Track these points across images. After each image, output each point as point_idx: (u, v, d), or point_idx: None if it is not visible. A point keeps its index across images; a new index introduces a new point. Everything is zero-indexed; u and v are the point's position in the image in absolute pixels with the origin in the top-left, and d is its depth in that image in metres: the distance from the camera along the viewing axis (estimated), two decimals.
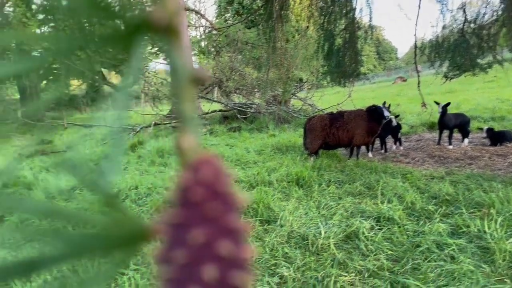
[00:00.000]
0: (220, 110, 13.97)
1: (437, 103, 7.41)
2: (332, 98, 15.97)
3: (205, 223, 0.24)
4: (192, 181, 0.25)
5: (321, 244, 3.80)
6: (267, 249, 3.88)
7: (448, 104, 7.34)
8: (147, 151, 9.14)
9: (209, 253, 0.23)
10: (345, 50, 8.01)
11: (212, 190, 0.24)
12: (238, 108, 12.75)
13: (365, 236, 3.82)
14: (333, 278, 3.22)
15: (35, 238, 0.25)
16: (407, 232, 3.82)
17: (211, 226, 0.24)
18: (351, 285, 3.15)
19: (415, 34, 7.45)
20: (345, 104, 11.96)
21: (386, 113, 6.50)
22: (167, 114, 14.38)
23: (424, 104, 7.50)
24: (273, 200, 5.03)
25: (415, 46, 7.62)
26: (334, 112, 7.15)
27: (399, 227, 3.93)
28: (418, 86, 7.61)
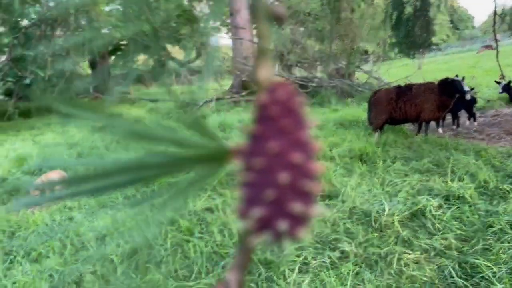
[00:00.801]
0: None
1: (498, 82, 6.89)
2: (399, 71, 15.31)
3: (280, 136, 0.28)
4: (269, 100, 0.29)
5: (385, 221, 3.76)
6: (328, 224, 3.93)
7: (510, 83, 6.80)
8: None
9: (283, 162, 0.28)
10: (416, 19, 7.62)
11: (286, 108, 0.29)
12: (299, 82, 12.63)
13: (432, 215, 3.72)
14: (396, 255, 3.20)
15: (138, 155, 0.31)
16: (479, 212, 3.67)
17: (285, 139, 0.28)
18: (416, 263, 3.12)
19: (494, 0, 6.90)
20: (414, 77, 11.45)
21: (466, 88, 6.13)
22: (229, 89, 14.63)
23: (502, 76, 6.99)
24: (334, 175, 5.02)
25: (495, 13, 7.07)
26: (402, 85, 6.89)
27: (470, 206, 3.79)
28: (497, 57, 7.09)
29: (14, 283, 3.46)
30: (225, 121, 9.42)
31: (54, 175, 5.89)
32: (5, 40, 12.77)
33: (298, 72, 14.79)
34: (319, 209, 0.30)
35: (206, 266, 3.39)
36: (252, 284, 3.17)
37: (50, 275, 3.57)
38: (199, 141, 0.31)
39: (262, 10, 0.30)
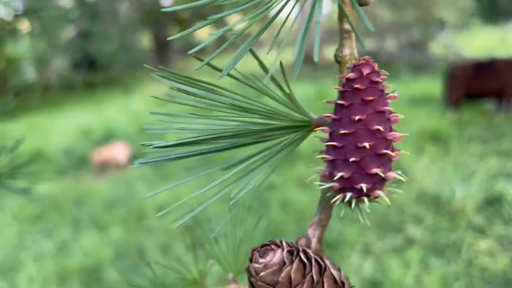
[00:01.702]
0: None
1: None
2: (480, 43, 14.36)
3: (364, 108, 0.33)
4: (354, 76, 0.34)
5: (456, 206, 3.66)
6: (392, 206, 3.89)
7: None
8: None
9: (366, 131, 0.33)
10: None
11: (370, 83, 0.34)
12: (367, 54, 12.24)
13: (510, 202, 3.57)
14: (467, 242, 3.13)
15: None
16: None
17: (368, 110, 0.33)
18: (488, 252, 3.03)
19: None
20: (497, 50, 10.71)
21: None
22: (293, 62, 14.54)
23: None
24: (403, 156, 4.92)
25: None
26: (482, 59, 6.50)
27: None
28: None
29: (81, 248, 3.81)
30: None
31: (119, 146, 6.31)
32: (73, 16, 13.54)
33: (367, 43, 14.33)
34: (396, 175, 0.35)
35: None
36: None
37: (114, 243, 3.87)
38: (287, 113, 0.37)
39: None
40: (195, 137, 0.36)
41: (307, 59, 13.60)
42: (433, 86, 8.90)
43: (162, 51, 16.15)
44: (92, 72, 17.60)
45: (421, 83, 9.66)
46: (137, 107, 9.99)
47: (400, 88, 9.04)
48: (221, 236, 0.70)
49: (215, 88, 0.37)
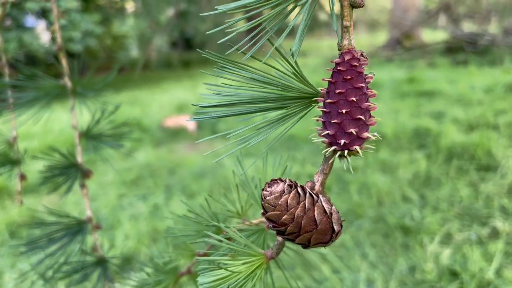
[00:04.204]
0: (444, 41, 12.82)
1: None
2: None
3: (345, 84, 0.46)
4: (340, 60, 0.47)
5: None
6: (480, 198, 3.75)
7: None
8: None
9: (346, 101, 0.45)
10: None
11: (350, 66, 0.46)
12: (467, 39, 11.42)
13: None
14: None
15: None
16: None
17: (348, 86, 0.46)
18: None
19: None
20: None
21: None
22: (384, 44, 14.07)
23: None
24: (496, 146, 4.66)
25: None
26: None
27: None
28: None
29: (171, 213, 4.20)
30: (375, 79, 9.19)
31: (187, 116, 7.07)
32: None
33: (466, 27, 13.33)
34: (369, 135, 0.47)
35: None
36: (387, 246, 3.29)
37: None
38: (298, 86, 0.50)
39: None
40: (231, 101, 0.51)
41: (399, 42, 12.98)
42: None
43: (253, 31, 16.48)
44: (188, 50, 18.56)
45: None
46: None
47: (501, 75, 8.39)
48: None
49: (250, 68, 0.51)
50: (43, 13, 13.45)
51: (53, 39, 13.94)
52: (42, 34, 14.14)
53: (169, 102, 9.41)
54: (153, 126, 7.45)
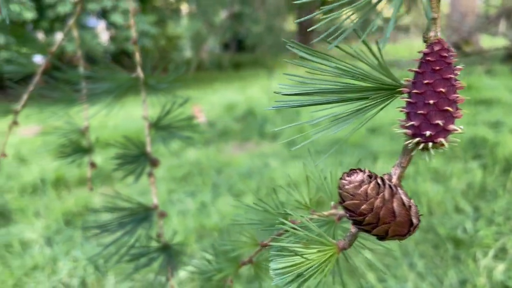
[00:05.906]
0: (504, 47, 12.19)
1: None
2: None
3: (433, 75, 0.45)
4: (428, 51, 0.46)
5: None
6: None
7: None
8: None
9: (433, 92, 0.45)
10: None
11: (439, 57, 0.45)
12: None
13: None
14: None
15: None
16: None
17: (436, 77, 0.45)
18: None
19: None
20: None
21: None
22: None
23: None
24: None
25: None
26: None
27: None
28: None
29: (217, 211, 4.25)
30: None
31: (198, 109, 7.42)
32: None
33: None
34: (456, 127, 0.46)
35: None
36: (437, 258, 3.18)
37: (247, 210, 4.24)
38: (379, 77, 0.50)
39: None
40: (310, 90, 0.51)
41: (458, 47, 12.49)
42: None
43: (305, 34, 16.44)
44: (239, 52, 18.77)
45: None
46: (277, 88, 10.44)
47: None
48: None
49: (330, 58, 0.51)
50: (103, 14, 14.05)
51: (112, 39, 14.55)
52: (101, 34, 14.78)
53: (219, 103, 9.56)
54: (203, 125, 7.61)
